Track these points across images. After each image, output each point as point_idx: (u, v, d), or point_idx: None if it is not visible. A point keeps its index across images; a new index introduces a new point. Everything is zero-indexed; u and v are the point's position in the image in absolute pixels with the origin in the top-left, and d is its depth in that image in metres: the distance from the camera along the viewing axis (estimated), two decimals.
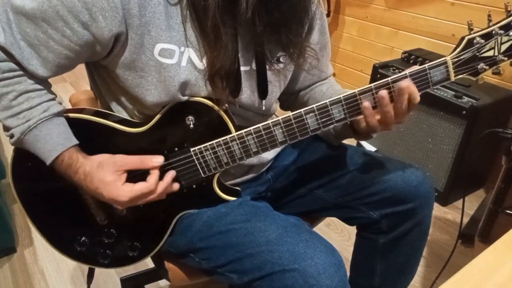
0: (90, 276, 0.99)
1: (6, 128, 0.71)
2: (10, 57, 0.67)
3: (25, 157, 0.74)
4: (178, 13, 0.68)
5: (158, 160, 0.74)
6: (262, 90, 0.80)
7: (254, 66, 0.77)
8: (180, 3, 0.68)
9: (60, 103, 0.74)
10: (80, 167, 0.71)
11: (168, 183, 0.75)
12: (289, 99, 0.99)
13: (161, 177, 0.74)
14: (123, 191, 0.70)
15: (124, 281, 1.22)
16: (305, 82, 0.95)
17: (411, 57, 1.97)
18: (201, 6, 0.66)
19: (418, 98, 0.70)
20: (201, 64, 0.72)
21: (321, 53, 0.90)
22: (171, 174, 0.76)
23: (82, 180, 0.71)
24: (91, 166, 0.71)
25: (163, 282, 1.38)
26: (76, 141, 0.72)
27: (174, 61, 0.70)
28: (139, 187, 0.71)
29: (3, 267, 1.47)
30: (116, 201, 0.70)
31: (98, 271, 0.96)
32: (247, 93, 0.78)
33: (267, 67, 0.78)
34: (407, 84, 0.69)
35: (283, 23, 0.70)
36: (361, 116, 0.73)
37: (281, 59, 0.80)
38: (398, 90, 0.69)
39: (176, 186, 0.77)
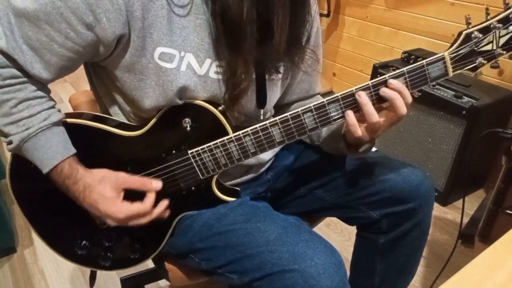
0: (92, 278, 0.98)
1: (5, 135, 0.70)
2: (13, 62, 0.67)
3: (23, 162, 0.73)
4: (185, 15, 0.68)
5: (158, 185, 0.75)
6: (261, 100, 0.80)
7: (253, 75, 0.77)
8: (191, 9, 0.68)
9: (59, 111, 0.73)
10: (81, 179, 0.71)
11: (161, 210, 0.76)
12: (276, 113, 0.98)
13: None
14: (121, 208, 0.71)
15: (124, 281, 1.22)
16: (293, 95, 0.94)
17: (411, 57, 1.97)
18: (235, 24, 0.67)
19: (409, 98, 0.70)
20: (200, 70, 0.72)
21: (313, 66, 0.90)
22: (165, 202, 0.77)
23: (80, 191, 0.71)
24: (92, 178, 0.71)
25: (163, 282, 1.38)
26: (74, 151, 0.72)
27: (174, 65, 0.70)
28: (136, 208, 0.72)
29: (3, 267, 1.47)
30: (111, 217, 0.71)
31: (98, 271, 0.96)
32: (245, 101, 0.78)
33: (266, 77, 0.79)
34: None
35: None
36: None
37: (280, 70, 0.80)
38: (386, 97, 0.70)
39: (167, 213, 0.78)
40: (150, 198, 0.74)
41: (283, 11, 0.68)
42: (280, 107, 0.97)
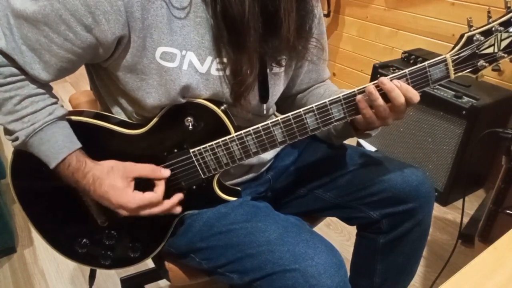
0: (92, 277, 0.99)
1: (10, 132, 0.70)
2: (12, 62, 0.67)
3: (24, 160, 0.73)
4: (183, 17, 0.68)
5: (167, 172, 0.75)
6: (263, 95, 0.80)
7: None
8: (190, 9, 0.68)
9: (62, 106, 0.73)
10: (90, 171, 0.71)
11: (174, 203, 0.76)
12: (286, 102, 0.99)
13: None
14: (133, 198, 0.70)
15: (124, 281, 1.22)
16: (302, 85, 0.95)
17: (411, 57, 1.97)
18: (239, 23, 0.66)
19: (416, 97, 0.70)
20: (202, 67, 0.72)
21: (318, 55, 0.90)
22: (178, 196, 0.77)
23: (90, 184, 0.71)
24: (101, 170, 0.71)
25: (163, 282, 1.38)
26: (79, 144, 0.72)
27: (176, 64, 0.69)
28: (148, 196, 0.72)
29: (3, 267, 1.47)
30: (124, 207, 0.71)
31: (98, 271, 0.96)
32: (248, 97, 0.78)
33: (268, 70, 0.78)
34: (389, 85, 0.69)
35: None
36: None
37: (282, 62, 0.80)
38: (385, 90, 0.70)
39: (178, 209, 0.78)
40: (161, 186, 0.74)
41: None
42: (289, 97, 0.97)
